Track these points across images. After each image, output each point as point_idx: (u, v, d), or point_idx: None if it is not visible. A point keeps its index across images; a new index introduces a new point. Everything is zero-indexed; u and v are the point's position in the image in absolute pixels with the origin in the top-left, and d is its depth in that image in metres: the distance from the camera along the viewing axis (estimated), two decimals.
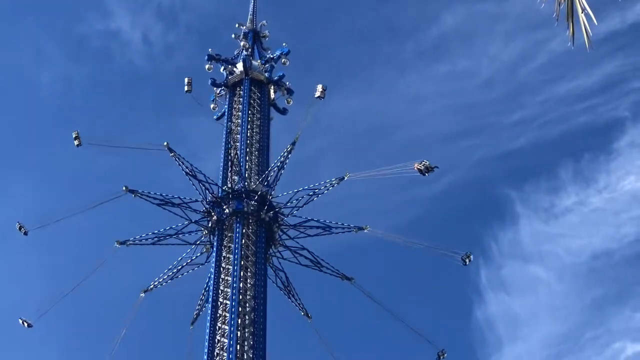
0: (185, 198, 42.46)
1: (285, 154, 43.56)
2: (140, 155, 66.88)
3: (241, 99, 48.00)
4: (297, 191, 42.65)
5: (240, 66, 49.39)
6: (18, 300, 66.59)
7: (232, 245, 40.39)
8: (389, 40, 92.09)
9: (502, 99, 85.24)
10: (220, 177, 43.97)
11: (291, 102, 50.30)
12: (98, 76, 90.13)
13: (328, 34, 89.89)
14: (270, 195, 42.60)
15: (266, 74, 49.75)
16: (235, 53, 51.20)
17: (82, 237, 67.39)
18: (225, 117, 47.97)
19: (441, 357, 41.67)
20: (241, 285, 38.69)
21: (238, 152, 44.75)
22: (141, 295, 43.32)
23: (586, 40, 13.85)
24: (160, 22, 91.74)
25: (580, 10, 13.78)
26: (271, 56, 51.20)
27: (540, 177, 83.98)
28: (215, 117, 49.94)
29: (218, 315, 38.12)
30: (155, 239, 42.89)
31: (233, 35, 52.73)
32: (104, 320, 62.46)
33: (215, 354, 36.92)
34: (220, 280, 39.38)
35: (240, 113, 47.25)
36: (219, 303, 38.47)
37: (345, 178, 42.73)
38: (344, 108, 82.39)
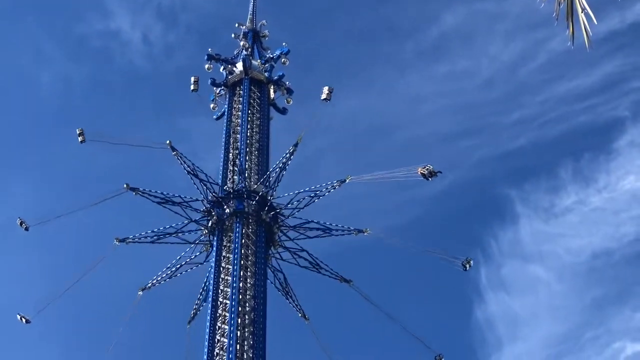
0: (185, 197, 42.52)
1: (288, 155, 43.50)
2: (141, 155, 67.03)
3: (241, 99, 48.01)
4: (298, 192, 42.66)
5: (240, 66, 49.41)
6: (17, 297, 66.62)
7: (232, 245, 40.40)
8: (389, 40, 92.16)
9: (502, 99, 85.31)
10: (220, 176, 44.00)
11: (291, 102, 50.33)
12: (98, 76, 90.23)
13: (328, 33, 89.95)
14: (271, 196, 42.59)
15: (266, 74, 49.76)
16: (235, 53, 51.23)
17: (82, 234, 67.44)
18: (225, 116, 47.99)
19: None
20: (241, 284, 38.70)
21: (238, 151, 44.78)
22: (139, 293, 43.36)
23: (586, 40, 13.86)
24: (160, 22, 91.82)
25: (580, 10, 13.78)
26: (271, 56, 51.22)
27: (540, 176, 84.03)
28: (215, 116, 49.99)
29: (218, 314, 38.12)
30: (155, 237, 42.92)
31: (233, 35, 52.77)
32: (103, 317, 62.59)
33: (215, 353, 36.93)
34: (220, 279, 39.39)
35: (240, 113, 47.26)
36: (218, 303, 38.48)
37: (347, 181, 42.66)
38: (344, 108, 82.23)
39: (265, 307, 39.20)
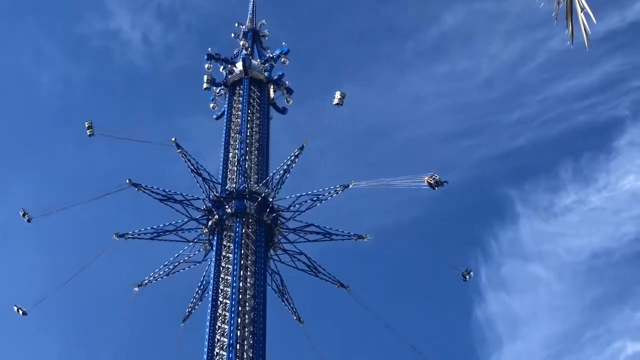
0: (187, 195, 42.60)
1: (293, 158, 43.42)
2: (141, 155, 67.13)
3: (241, 98, 48.02)
4: (300, 195, 42.70)
5: (239, 65, 49.43)
6: (16, 290, 66.74)
7: (232, 245, 40.41)
8: (389, 40, 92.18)
9: (502, 99, 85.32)
10: (220, 176, 44.02)
11: (291, 102, 50.34)
12: (98, 76, 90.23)
13: (328, 33, 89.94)
14: (274, 198, 42.57)
15: (266, 73, 49.77)
16: (235, 52, 51.24)
17: (83, 229, 67.78)
18: (225, 116, 48.00)
19: None
20: (241, 284, 38.71)
21: (238, 151, 44.79)
22: (135, 289, 43.41)
23: (585, 40, 13.85)
24: (160, 22, 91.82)
25: (579, 10, 13.77)
26: (271, 55, 51.23)
27: (540, 176, 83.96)
28: (214, 116, 50.02)
29: (218, 314, 38.13)
30: (155, 234, 42.95)
31: (232, 35, 52.78)
32: (99, 312, 62.59)
33: (215, 353, 36.93)
34: (220, 279, 39.40)
35: (240, 112, 47.27)
36: (218, 302, 38.48)
37: (350, 186, 42.61)
38: (344, 108, 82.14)
39: (265, 307, 39.21)
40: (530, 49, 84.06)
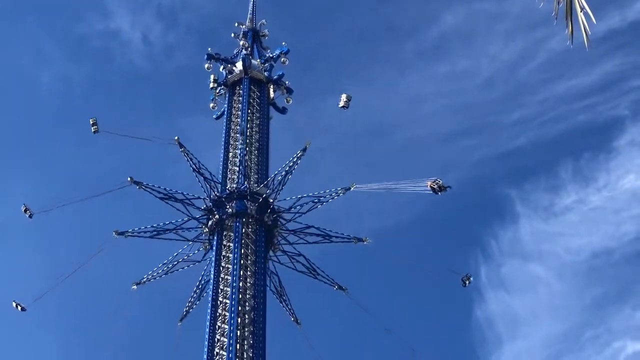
0: (188, 194, 42.61)
1: (295, 159, 43.32)
2: (142, 155, 67.12)
3: (241, 98, 48.02)
4: (301, 197, 42.69)
5: (239, 65, 49.43)
6: (16, 286, 66.70)
7: (232, 245, 40.41)
8: (389, 40, 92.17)
9: (502, 99, 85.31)
10: (220, 176, 44.02)
11: (290, 101, 50.34)
12: (98, 76, 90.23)
13: (328, 33, 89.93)
14: (275, 199, 42.53)
15: (265, 73, 49.78)
16: (235, 52, 51.24)
17: (84, 226, 67.89)
18: (225, 116, 48.00)
19: None
20: (241, 284, 38.70)
21: (238, 151, 44.80)
22: (133, 287, 43.43)
23: (585, 39, 13.85)
24: (160, 22, 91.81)
25: (579, 9, 13.77)
26: (271, 55, 51.24)
27: (540, 176, 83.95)
28: (214, 116, 50.03)
29: (218, 314, 38.13)
30: (154, 232, 42.97)
31: (232, 35, 52.78)
32: (98, 309, 62.79)
33: (215, 353, 36.92)
34: (220, 279, 39.40)
35: (239, 112, 47.28)
36: (218, 302, 38.48)
37: (352, 189, 42.55)
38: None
39: (265, 307, 39.21)
40: (530, 48, 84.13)
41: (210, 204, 42.20)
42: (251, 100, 47.84)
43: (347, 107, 43.48)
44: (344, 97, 43.55)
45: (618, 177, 79.52)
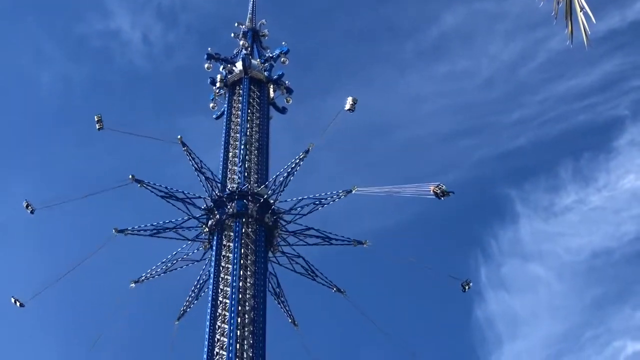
0: (189, 193, 42.62)
1: (297, 161, 43.18)
2: (142, 155, 67.17)
3: (240, 98, 48.03)
4: (302, 199, 42.63)
5: (239, 65, 49.44)
6: (17, 283, 66.97)
7: (232, 244, 40.42)
8: (389, 40, 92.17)
9: (501, 99, 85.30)
10: (220, 176, 44.03)
11: (290, 101, 50.35)
12: (98, 76, 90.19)
13: (328, 33, 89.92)
14: (276, 200, 42.49)
15: (265, 73, 49.78)
16: (235, 52, 51.26)
17: (85, 224, 68.02)
18: (225, 116, 48.01)
19: None
20: (241, 284, 38.71)
21: (238, 151, 44.82)
22: (131, 285, 43.44)
23: (585, 39, 13.85)
24: (160, 22, 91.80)
25: (578, 9, 13.77)
26: (270, 55, 51.25)
27: (540, 176, 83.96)
28: (214, 116, 50.05)
29: (217, 314, 38.13)
30: (154, 230, 42.97)
31: (232, 35, 52.79)
32: (97, 306, 62.85)
33: (214, 352, 36.93)
34: (220, 279, 39.41)
35: (239, 112, 47.28)
36: (218, 302, 38.49)
37: (353, 191, 42.46)
38: (343, 107, 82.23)
39: (265, 307, 39.22)
40: (530, 48, 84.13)
41: (211, 203, 42.20)
42: (251, 100, 47.84)
43: (353, 110, 43.13)
44: (349, 100, 43.17)
45: (618, 177, 79.58)
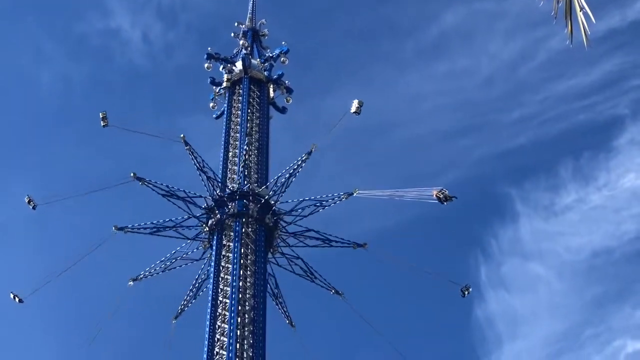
0: (190, 192, 42.57)
1: (300, 162, 43.00)
2: (142, 155, 67.15)
3: (240, 98, 48.01)
4: (302, 200, 42.59)
5: (239, 65, 49.44)
6: (16, 279, 67.00)
7: (232, 244, 40.41)
8: (389, 39, 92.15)
9: (502, 97, 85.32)
10: (220, 175, 44.02)
11: (290, 101, 50.34)
12: (98, 75, 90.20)
13: (327, 32, 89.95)
14: (277, 201, 42.46)
15: (265, 73, 49.78)
16: (235, 52, 51.24)
17: (86, 221, 68.18)
18: (225, 116, 48.01)
19: None
20: (240, 283, 38.70)
21: (238, 150, 44.82)
22: (129, 283, 43.45)
23: (584, 39, 13.84)
24: (160, 21, 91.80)
25: (578, 9, 13.76)
26: (270, 55, 51.26)
27: (540, 175, 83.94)
28: (214, 115, 50.05)
29: (217, 313, 38.13)
30: (154, 229, 42.95)
31: (232, 34, 52.80)
32: (95, 304, 62.95)
33: (215, 352, 36.93)
34: (220, 278, 39.40)
35: (239, 112, 47.27)
36: (218, 301, 38.48)
37: (354, 194, 42.36)
38: (344, 106, 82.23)
39: (265, 306, 39.23)
40: (530, 48, 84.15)
41: (212, 203, 42.18)
42: (251, 100, 47.84)
43: (359, 113, 42.89)
44: (355, 102, 42.80)
45: (618, 176, 79.56)
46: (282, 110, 50.22)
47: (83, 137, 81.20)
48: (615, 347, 74.15)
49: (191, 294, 43.54)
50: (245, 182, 42.88)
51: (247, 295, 38.55)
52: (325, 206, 42.48)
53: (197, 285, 43.41)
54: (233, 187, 42.76)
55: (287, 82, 50.34)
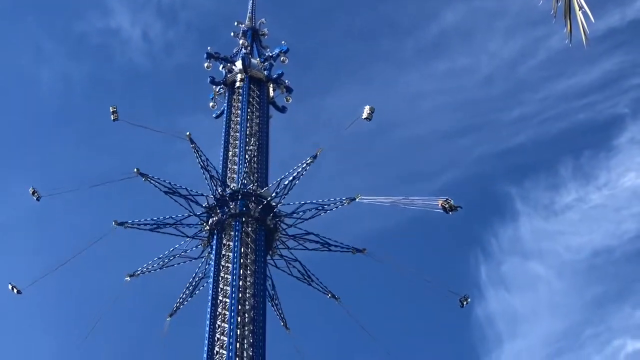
0: (192, 190, 42.58)
1: (305, 165, 42.81)
2: (142, 154, 67.15)
3: (240, 97, 48.01)
4: (304, 203, 42.52)
5: (239, 64, 49.41)
6: (16, 275, 67.14)
7: (232, 243, 40.42)
8: (389, 37, 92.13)
9: (501, 96, 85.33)
10: (220, 175, 44.02)
11: (290, 100, 50.34)
12: (98, 74, 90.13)
13: (327, 32, 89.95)
14: (279, 203, 42.43)
15: (265, 72, 49.77)
16: (234, 51, 51.22)
17: (87, 217, 68.30)
18: (225, 115, 48.01)
19: None
20: (240, 283, 38.71)
21: (238, 150, 44.82)
22: (126, 279, 43.46)
23: (583, 38, 13.84)
24: (160, 20, 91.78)
25: (577, 8, 13.76)
26: (270, 54, 51.25)
27: (540, 174, 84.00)
28: (214, 115, 50.05)
29: (217, 313, 38.14)
30: (154, 225, 42.95)
31: (232, 34, 52.79)
32: (93, 297, 63.03)
33: (215, 352, 36.94)
34: (220, 278, 39.41)
35: (239, 111, 47.26)
36: (218, 301, 38.49)
37: (357, 199, 42.25)
38: (344, 106, 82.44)
39: (265, 306, 39.25)
40: (530, 46, 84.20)
41: (214, 201, 42.17)
42: (251, 100, 47.83)
43: (370, 119, 42.55)
44: (367, 108, 42.15)
45: (618, 175, 79.58)
46: (282, 109, 50.21)
47: (83, 137, 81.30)
48: (615, 346, 74.21)
49: (187, 292, 43.62)
50: (246, 182, 42.85)
51: (247, 295, 38.55)
52: (327, 210, 42.42)
53: (194, 283, 43.50)
54: (234, 186, 42.76)
55: (287, 81, 50.36)
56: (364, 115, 42.24)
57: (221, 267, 39.85)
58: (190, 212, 42.50)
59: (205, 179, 42.70)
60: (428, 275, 42.60)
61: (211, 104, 50.16)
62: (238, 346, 36.49)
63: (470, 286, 76.36)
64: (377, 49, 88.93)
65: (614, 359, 74.25)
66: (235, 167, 44.27)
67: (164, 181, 42.59)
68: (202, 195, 42.46)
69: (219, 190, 42.32)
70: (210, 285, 39.43)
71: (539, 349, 77.09)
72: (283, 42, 51.93)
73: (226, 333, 37.04)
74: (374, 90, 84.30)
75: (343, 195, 42.55)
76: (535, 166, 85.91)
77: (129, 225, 42.76)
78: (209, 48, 50.42)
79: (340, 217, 43.65)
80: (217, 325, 37.67)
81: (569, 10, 14.00)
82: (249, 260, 39.90)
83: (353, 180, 76.50)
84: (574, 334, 76.04)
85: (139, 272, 43.52)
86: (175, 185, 42.57)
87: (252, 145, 44.69)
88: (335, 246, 42.78)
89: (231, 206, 41.77)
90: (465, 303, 41.12)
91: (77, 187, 44.05)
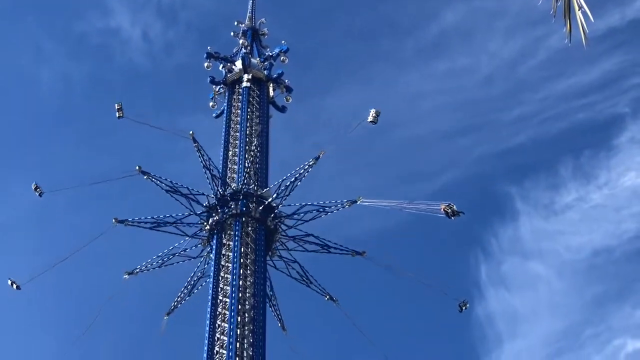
0: (193, 190, 42.60)
1: (307, 167, 42.81)
2: (142, 154, 67.17)
3: (240, 97, 48.01)
4: (304, 205, 42.51)
5: (239, 64, 49.43)
6: (16, 273, 67.20)
7: (232, 243, 40.42)
8: (389, 37, 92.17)
9: (501, 96, 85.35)
10: (220, 174, 44.01)
11: (290, 100, 50.34)
12: (98, 74, 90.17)
13: (327, 31, 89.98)
14: (280, 204, 42.41)
15: (265, 72, 49.77)
16: (235, 51, 51.23)
17: (88, 215, 68.39)
18: (225, 115, 48.01)
19: None
20: (240, 282, 38.70)
21: (238, 150, 44.82)
22: (125, 276, 43.47)
23: (583, 38, 13.85)
24: (160, 20, 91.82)
25: (577, 8, 13.77)
26: (270, 54, 51.26)
27: (540, 173, 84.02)
28: (214, 115, 50.05)
29: (217, 312, 38.13)
30: (154, 223, 42.96)
31: (232, 33, 52.80)
32: (92, 294, 63.17)
33: (215, 351, 36.94)
34: (220, 277, 39.41)
35: (239, 111, 47.27)
36: (218, 300, 38.49)
37: (358, 202, 42.17)
38: (344, 106, 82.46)
39: (265, 305, 39.26)
40: (530, 46, 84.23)
41: (215, 201, 42.16)
42: (251, 99, 47.82)
43: (375, 123, 42.35)
44: (373, 112, 42.06)
45: (618, 174, 79.60)
46: (282, 109, 50.21)
47: (83, 136, 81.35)
48: (615, 346, 74.21)
49: (186, 291, 43.65)
50: (246, 182, 42.84)
51: (247, 294, 38.56)
52: (328, 212, 42.35)
53: (192, 282, 43.51)
54: (235, 186, 42.76)
55: (286, 81, 50.37)
56: (370, 119, 42.01)
57: (221, 267, 39.86)
58: (191, 211, 42.53)
59: (207, 178, 42.74)
60: (427, 278, 42.55)
61: (211, 103, 50.19)
62: (238, 346, 36.49)
63: (471, 286, 76.43)
64: (377, 49, 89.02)
65: (614, 359, 74.30)
66: (235, 167, 44.27)
67: (165, 179, 42.67)
68: (203, 194, 42.49)
69: (220, 190, 42.32)
70: (211, 285, 39.44)
71: (539, 349, 77.13)
72: (283, 41, 52.03)
73: (226, 332, 37.05)
74: (374, 90, 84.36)
75: (343, 195, 42.62)
76: (535, 166, 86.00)
77: (129, 222, 42.81)
78: (209, 48, 50.48)
79: (340, 218, 43.62)
80: (217, 325, 37.68)
81: (568, 10, 14.00)
82: (249, 260, 39.90)
83: (353, 180, 76.56)
84: (574, 333, 76.10)
85: (137, 270, 43.56)
86: (176, 183, 42.63)
87: (254, 145, 44.69)
88: (335, 248, 42.77)
89: (232, 206, 41.77)
90: (464, 308, 41.10)
91: (78, 184, 44.24)
